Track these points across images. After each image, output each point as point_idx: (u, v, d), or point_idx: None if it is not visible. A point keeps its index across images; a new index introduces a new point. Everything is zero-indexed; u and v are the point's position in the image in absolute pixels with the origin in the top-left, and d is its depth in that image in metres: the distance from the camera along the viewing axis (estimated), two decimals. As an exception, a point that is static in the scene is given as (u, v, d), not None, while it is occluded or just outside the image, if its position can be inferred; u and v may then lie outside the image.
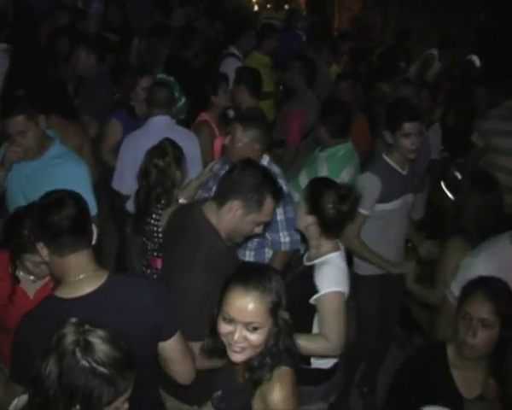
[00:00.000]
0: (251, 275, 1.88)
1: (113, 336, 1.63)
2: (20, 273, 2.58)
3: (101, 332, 1.61)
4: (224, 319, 1.88)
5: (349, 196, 2.74)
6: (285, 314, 1.90)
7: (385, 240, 3.69)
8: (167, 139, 3.54)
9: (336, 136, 4.12)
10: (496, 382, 2.07)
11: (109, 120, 4.57)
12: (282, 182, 3.31)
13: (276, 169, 3.46)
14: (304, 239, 3.12)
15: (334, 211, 2.72)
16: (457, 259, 3.00)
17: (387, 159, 3.67)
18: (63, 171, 3.23)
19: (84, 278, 2.08)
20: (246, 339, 1.86)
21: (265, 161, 3.45)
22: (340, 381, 3.01)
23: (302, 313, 2.68)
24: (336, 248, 2.81)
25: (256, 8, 9.56)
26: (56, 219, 2.03)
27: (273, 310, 1.87)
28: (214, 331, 1.95)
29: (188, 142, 4.04)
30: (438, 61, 7.29)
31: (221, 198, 2.51)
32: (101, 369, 1.54)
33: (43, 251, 2.09)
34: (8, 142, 3.24)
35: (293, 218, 3.27)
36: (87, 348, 1.55)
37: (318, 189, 2.80)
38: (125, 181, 4.04)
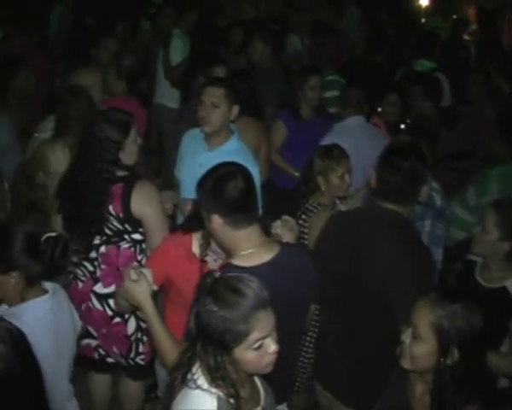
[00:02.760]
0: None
1: (244, 281, 1.70)
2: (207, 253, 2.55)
3: (231, 280, 1.71)
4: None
5: None
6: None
7: None
8: (337, 146, 3.41)
9: (515, 154, 3.99)
10: None
11: (275, 120, 4.55)
12: (437, 197, 3.30)
13: (434, 185, 3.37)
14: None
15: None
16: None
17: None
18: None
19: (259, 248, 2.18)
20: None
21: None
22: None
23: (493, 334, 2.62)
24: None
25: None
26: (233, 193, 2.13)
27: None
28: None
29: (379, 142, 3.96)
30: None
31: (404, 194, 2.52)
32: (221, 312, 1.64)
33: (217, 222, 2.16)
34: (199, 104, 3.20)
35: (439, 235, 3.21)
36: (214, 294, 1.69)
37: None
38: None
